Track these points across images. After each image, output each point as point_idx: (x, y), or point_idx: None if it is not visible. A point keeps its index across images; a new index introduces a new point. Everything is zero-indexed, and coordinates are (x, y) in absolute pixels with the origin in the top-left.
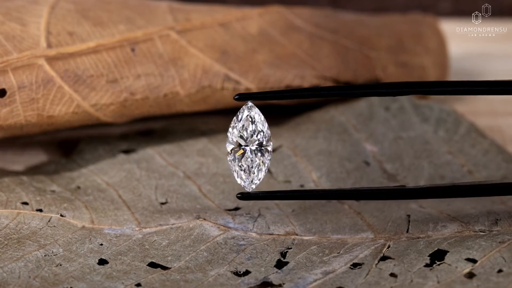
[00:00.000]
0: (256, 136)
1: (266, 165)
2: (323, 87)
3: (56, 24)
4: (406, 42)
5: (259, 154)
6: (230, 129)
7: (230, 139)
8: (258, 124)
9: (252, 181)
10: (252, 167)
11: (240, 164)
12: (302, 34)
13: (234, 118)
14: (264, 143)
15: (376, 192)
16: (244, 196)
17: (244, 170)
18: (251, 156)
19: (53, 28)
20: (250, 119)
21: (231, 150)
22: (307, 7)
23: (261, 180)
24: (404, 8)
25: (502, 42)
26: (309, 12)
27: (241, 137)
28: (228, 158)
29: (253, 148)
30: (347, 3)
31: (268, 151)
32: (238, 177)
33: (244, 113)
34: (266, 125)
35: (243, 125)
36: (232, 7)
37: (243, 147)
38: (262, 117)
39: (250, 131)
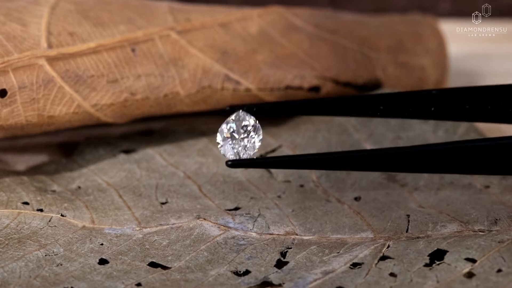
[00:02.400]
0: (247, 138)
1: (258, 140)
2: (316, 99)
3: (56, 25)
4: (406, 42)
5: (249, 136)
6: (219, 134)
7: (222, 129)
8: (248, 128)
9: (243, 151)
10: (242, 144)
11: (230, 143)
12: (302, 35)
13: (224, 122)
14: (255, 126)
15: (366, 157)
16: (235, 163)
17: (233, 145)
18: (242, 137)
19: (53, 29)
20: (239, 125)
21: (222, 135)
22: (307, 7)
23: (253, 152)
24: (404, 8)
25: (502, 42)
26: (309, 13)
27: (232, 133)
28: (219, 139)
29: (243, 134)
30: (346, 4)
31: (257, 132)
32: (227, 151)
33: (232, 119)
34: (259, 129)
35: (233, 131)
36: (232, 7)
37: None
38: (252, 121)
39: (242, 130)
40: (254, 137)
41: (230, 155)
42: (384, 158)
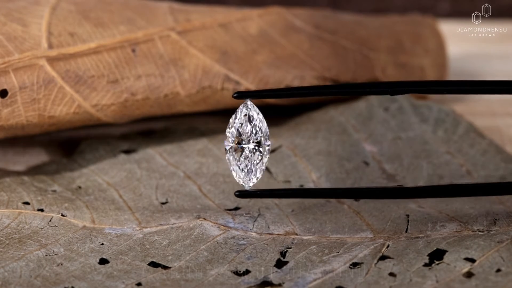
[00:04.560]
0: (254, 135)
1: (264, 163)
2: (320, 85)
3: (57, 25)
4: (405, 43)
5: (257, 152)
6: (228, 128)
7: (229, 138)
8: (256, 122)
9: (250, 179)
10: (250, 165)
11: (238, 162)
12: (302, 35)
13: (233, 116)
14: (262, 141)
15: (374, 191)
16: (242, 193)
17: (243, 168)
18: (249, 154)
19: (54, 29)
20: (248, 117)
21: (229, 149)
22: (306, 8)
23: (259, 178)
24: (403, 9)
25: (502, 43)
26: (309, 13)
27: (239, 135)
28: (227, 156)
29: (251, 146)
30: (346, 4)
31: (266, 149)
32: (236, 175)
33: (242, 111)
34: (264, 123)
35: (241, 124)
36: (232, 8)
37: (241, 145)
38: (261, 115)
39: (248, 129)
40: (262, 147)
41: (241, 178)
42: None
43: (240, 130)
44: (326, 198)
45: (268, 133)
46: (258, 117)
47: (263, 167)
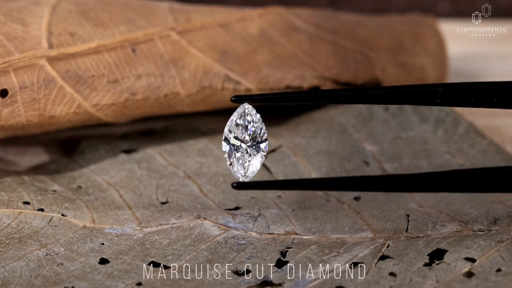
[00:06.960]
0: (252, 135)
1: (262, 158)
2: (320, 90)
3: (57, 25)
4: (406, 42)
5: (255, 150)
6: (225, 129)
7: (226, 138)
8: (254, 123)
9: (247, 172)
10: (247, 160)
11: (236, 157)
12: (302, 35)
13: (230, 117)
14: (260, 140)
15: (373, 181)
16: (240, 185)
17: (240, 163)
18: (246, 151)
19: (54, 29)
20: (245, 118)
21: (227, 147)
22: (306, 7)
23: (255, 172)
24: (404, 9)
25: (502, 43)
26: (309, 13)
27: (237, 135)
28: (225, 156)
29: (249, 145)
30: (346, 4)
31: (264, 148)
32: (233, 168)
33: (240, 113)
34: (262, 124)
35: (240, 125)
36: (233, 7)
37: (239, 144)
38: (259, 116)
39: (246, 130)
40: (259, 148)
41: (238, 172)
42: (399, 182)
43: (237, 132)
44: (325, 189)
45: (266, 134)
46: (256, 119)
47: (262, 161)
